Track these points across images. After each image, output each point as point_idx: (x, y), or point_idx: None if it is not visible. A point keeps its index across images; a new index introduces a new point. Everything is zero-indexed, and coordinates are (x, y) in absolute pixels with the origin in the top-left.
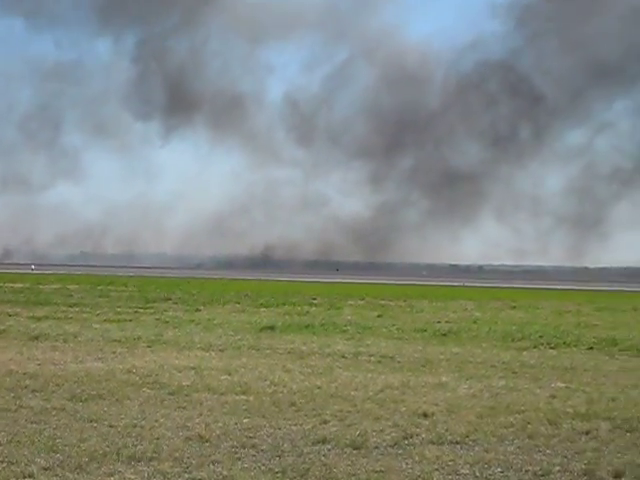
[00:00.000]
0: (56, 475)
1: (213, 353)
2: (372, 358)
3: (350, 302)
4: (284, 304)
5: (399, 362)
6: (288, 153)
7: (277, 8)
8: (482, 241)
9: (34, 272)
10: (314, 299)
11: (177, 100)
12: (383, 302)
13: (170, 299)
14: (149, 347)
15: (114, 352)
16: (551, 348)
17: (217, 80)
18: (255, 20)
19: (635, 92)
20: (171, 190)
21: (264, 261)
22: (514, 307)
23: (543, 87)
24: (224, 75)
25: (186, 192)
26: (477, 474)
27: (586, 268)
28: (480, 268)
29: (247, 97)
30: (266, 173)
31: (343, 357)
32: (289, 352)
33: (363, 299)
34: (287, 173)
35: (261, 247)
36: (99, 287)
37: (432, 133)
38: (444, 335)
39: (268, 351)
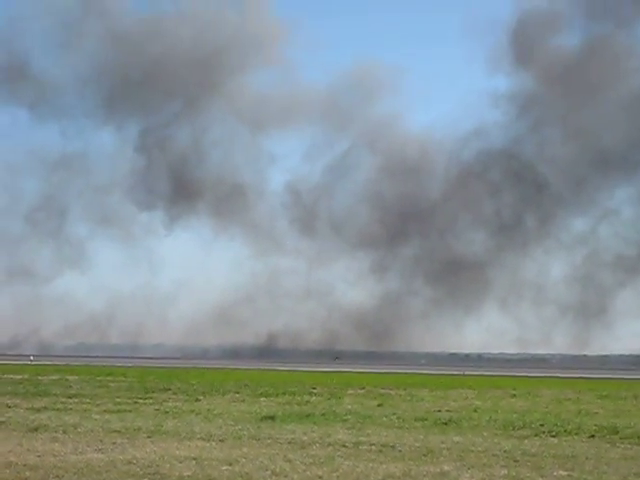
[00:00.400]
0: None
1: (214, 443)
2: (373, 447)
3: (350, 391)
4: (284, 394)
5: (400, 451)
6: (291, 242)
7: (278, 98)
8: (485, 329)
9: (33, 363)
10: (314, 388)
11: (180, 189)
12: (383, 391)
13: (169, 389)
14: (149, 437)
15: (114, 443)
16: (552, 436)
17: (219, 169)
18: (257, 109)
19: (637, 180)
20: (175, 279)
21: (268, 350)
22: (514, 395)
23: (547, 175)
24: (226, 164)
25: (190, 281)
26: None
27: (585, 356)
28: (479, 356)
29: (249, 186)
30: (269, 262)
31: (344, 446)
32: (290, 442)
33: (363, 388)
34: (290, 262)
35: (265, 336)
36: (98, 378)
37: (435, 222)
38: (445, 424)
39: (269, 441)
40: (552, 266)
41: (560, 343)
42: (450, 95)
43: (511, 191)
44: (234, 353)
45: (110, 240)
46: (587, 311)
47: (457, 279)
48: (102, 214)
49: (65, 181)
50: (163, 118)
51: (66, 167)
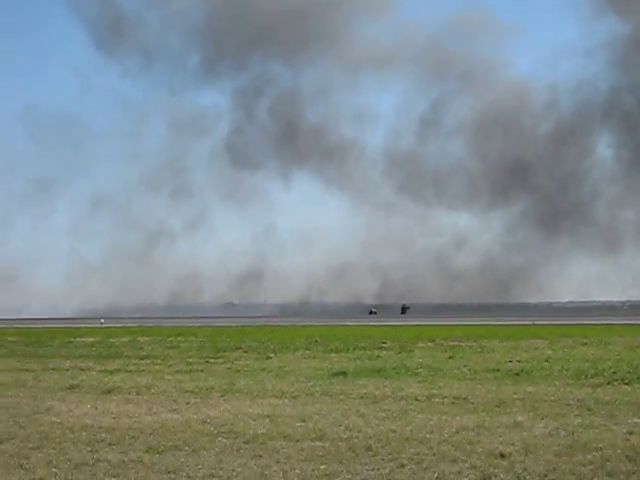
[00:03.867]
0: None
1: (286, 400)
2: (445, 400)
3: (420, 344)
4: (354, 349)
5: (473, 403)
6: (395, 198)
7: (383, 46)
8: (578, 278)
9: (103, 326)
10: (384, 343)
11: (286, 146)
12: (453, 343)
13: (240, 348)
14: (222, 396)
15: (188, 403)
16: (625, 384)
17: (324, 125)
18: (360, 56)
19: None
20: (289, 237)
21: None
22: (585, 344)
23: None
24: (329, 119)
25: (304, 238)
26: None
27: None
28: (549, 305)
29: (353, 141)
30: (375, 218)
31: (416, 400)
32: (362, 397)
33: (433, 341)
34: (396, 219)
35: (377, 291)
36: (169, 338)
37: (539, 174)
38: (517, 375)
39: (341, 397)
40: None
41: None
42: (550, 45)
43: (615, 141)
44: (348, 310)
45: (223, 200)
46: None
47: (564, 229)
48: (216, 175)
49: (178, 143)
50: (265, 74)
51: (178, 127)
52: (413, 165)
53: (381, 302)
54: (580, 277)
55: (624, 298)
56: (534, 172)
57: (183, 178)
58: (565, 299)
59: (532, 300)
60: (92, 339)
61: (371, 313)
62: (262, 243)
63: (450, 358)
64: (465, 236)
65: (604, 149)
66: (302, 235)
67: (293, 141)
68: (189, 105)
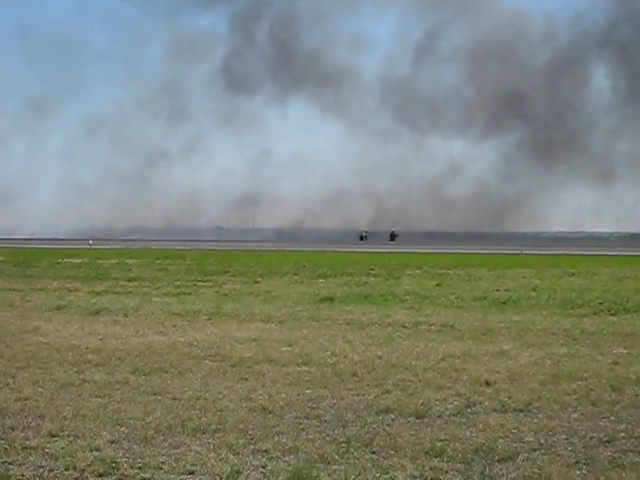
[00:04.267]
0: (122, 448)
1: (273, 325)
2: (432, 327)
3: (408, 272)
4: (342, 275)
5: (459, 331)
6: (390, 125)
7: None
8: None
9: (92, 247)
10: (372, 269)
11: (282, 70)
12: (441, 271)
13: (228, 272)
14: (209, 320)
15: (175, 325)
16: (611, 314)
17: (320, 50)
18: None
19: None
20: (284, 162)
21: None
22: (573, 274)
23: None
24: (326, 44)
25: (300, 164)
26: (542, 441)
27: None
28: (537, 235)
29: (347, 68)
30: (370, 145)
31: (403, 327)
32: (349, 323)
33: (421, 268)
34: (392, 147)
35: (372, 219)
36: (157, 261)
37: (535, 104)
38: (504, 303)
39: (328, 322)
40: None
41: None
42: None
43: (612, 72)
44: (341, 236)
45: (219, 125)
46: None
47: (559, 160)
48: (212, 99)
49: (175, 66)
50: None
51: (175, 50)
52: (409, 92)
53: (375, 228)
54: (573, 207)
55: (615, 229)
56: (530, 102)
57: (180, 101)
58: (555, 229)
59: (525, 229)
60: (80, 260)
61: (362, 238)
62: (258, 168)
63: (438, 286)
64: (459, 164)
65: (601, 80)
66: (297, 160)
67: (290, 66)
68: (187, 28)
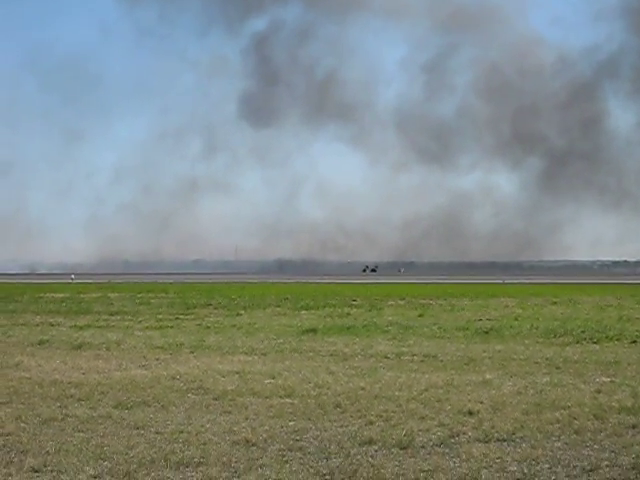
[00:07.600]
0: None
1: (256, 357)
2: (415, 358)
3: (390, 302)
4: (324, 306)
5: (442, 361)
6: (403, 154)
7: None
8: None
9: (74, 282)
10: (354, 300)
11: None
12: (424, 301)
13: (210, 304)
14: (192, 353)
15: (157, 359)
16: (594, 343)
17: (339, 82)
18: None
19: None
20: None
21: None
22: (555, 303)
23: None
24: (341, 74)
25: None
26: (525, 471)
27: (626, 262)
28: (519, 265)
29: (364, 102)
30: (389, 174)
31: (386, 357)
32: (332, 354)
33: (403, 299)
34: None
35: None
36: (139, 295)
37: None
38: (486, 333)
39: (311, 354)
40: None
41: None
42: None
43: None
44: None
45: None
46: None
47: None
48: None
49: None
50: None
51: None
52: (423, 123)
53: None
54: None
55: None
56: (545, 132)
57: (211, 134)
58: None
59: (554, 258)
60: (62, 295)
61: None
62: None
63: (420, 316)
64: (474, 195)
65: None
66: (319, 191)
67: (308, 99)
68: (211, 58)
